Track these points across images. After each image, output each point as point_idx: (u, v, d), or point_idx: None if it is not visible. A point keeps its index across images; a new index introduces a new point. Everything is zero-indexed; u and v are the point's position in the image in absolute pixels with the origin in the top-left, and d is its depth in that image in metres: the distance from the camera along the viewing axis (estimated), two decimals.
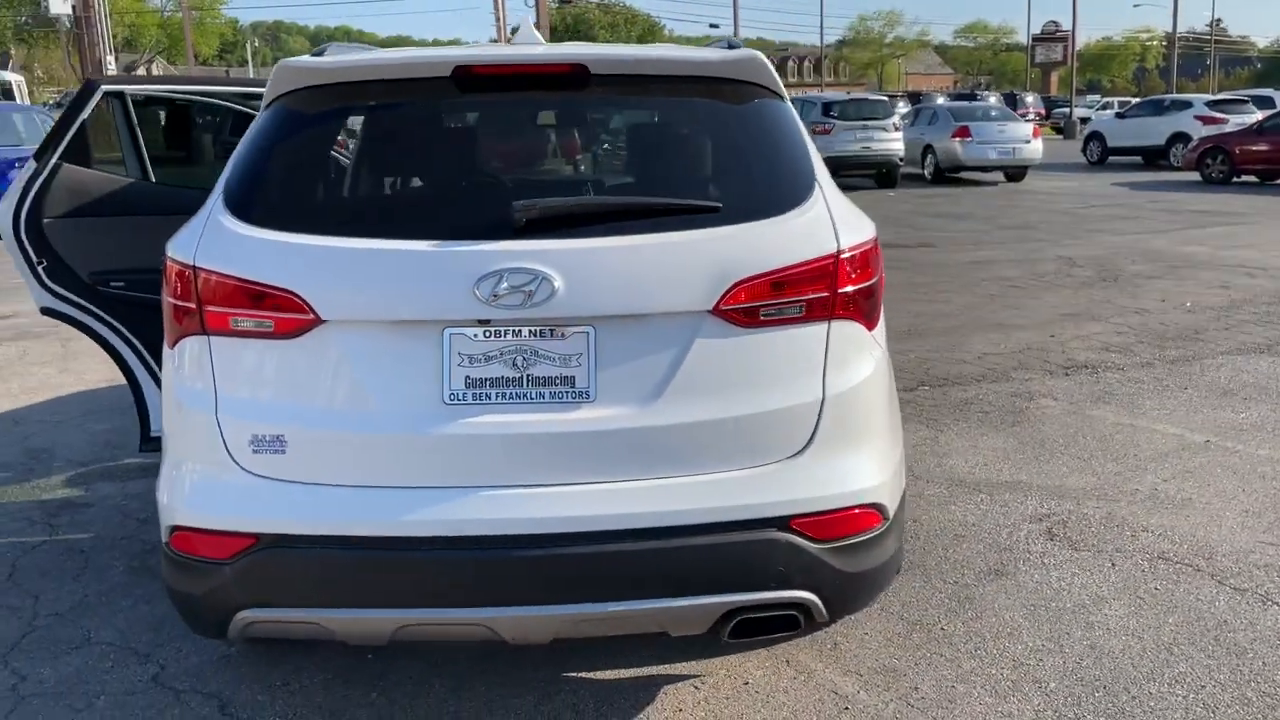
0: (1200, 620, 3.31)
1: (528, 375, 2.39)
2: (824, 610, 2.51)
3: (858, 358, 2.56)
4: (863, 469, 2.55)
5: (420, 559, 2.36)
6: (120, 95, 4.34)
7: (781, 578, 2.43)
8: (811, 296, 2.48)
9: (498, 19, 42.93)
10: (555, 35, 50.88)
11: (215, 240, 2.48)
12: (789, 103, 2.80)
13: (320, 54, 2.85)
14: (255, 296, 2.41)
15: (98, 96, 3.95)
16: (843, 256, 2.51)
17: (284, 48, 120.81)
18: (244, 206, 2.53)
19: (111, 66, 34.02)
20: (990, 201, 17.42)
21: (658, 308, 2.40)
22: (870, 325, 2.61)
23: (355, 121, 2.72)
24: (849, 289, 2.53)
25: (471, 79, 2.61)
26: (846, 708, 2.87)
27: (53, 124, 4.05)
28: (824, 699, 2.91)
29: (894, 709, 2.86)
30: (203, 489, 2.48)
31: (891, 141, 20.56)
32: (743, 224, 2.48)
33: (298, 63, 2.64)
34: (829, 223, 2.54)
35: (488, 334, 2.40)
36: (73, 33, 34.72)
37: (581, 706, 2.89)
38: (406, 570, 2.37)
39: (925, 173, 22.26)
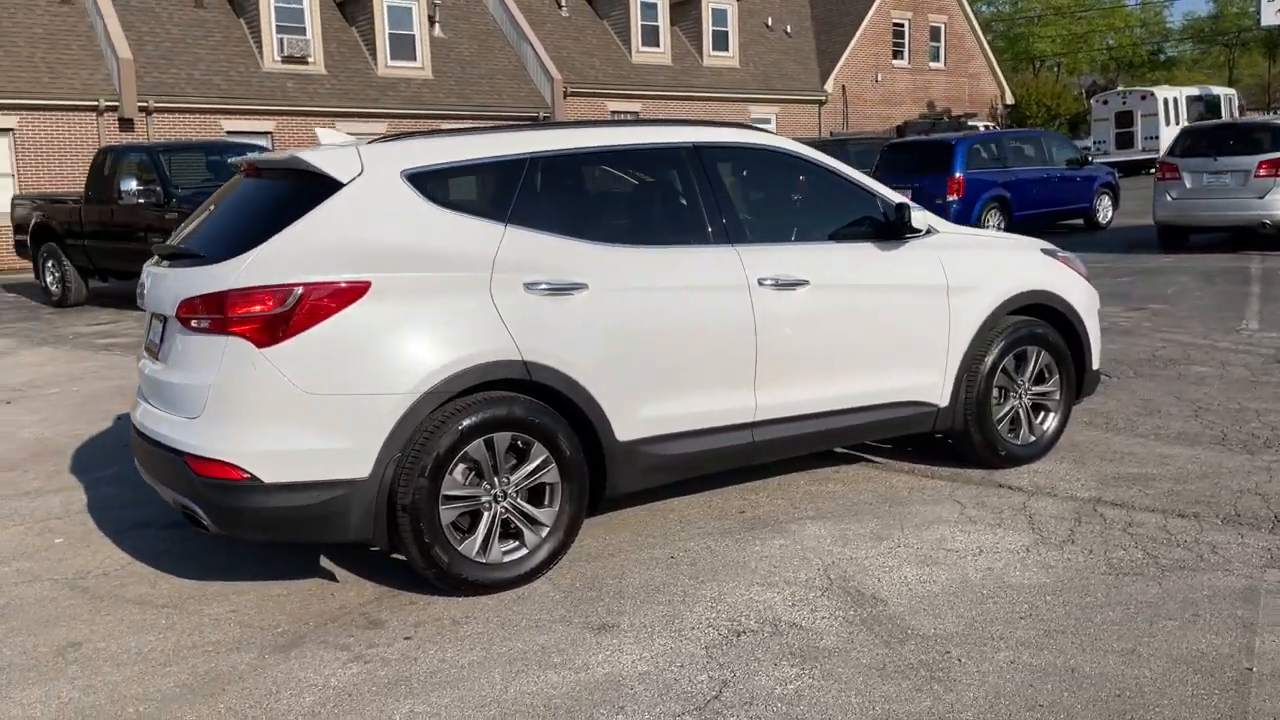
0: None
1: (155, 342, 4.35)
2: (209, 523, 3.91)
3: (239, 363, 3.79)
4: (229, 438, 3.80)
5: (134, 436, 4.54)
6: None
7: (187, 492, 3.94)
8: (211, 316, 3.85)
9: None
10: None
11: None
12: (336, 181, 3.97)
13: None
14: None
15: None
16: (229, 292, 3.80)
17: None
18: None
19: None
20: None
21: (166, 311, 4.11)
22: (263, 342, 3.76)
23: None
24: (234, 314, 3.79)
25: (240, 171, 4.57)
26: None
27: None
28: (344, 612, 4.05)
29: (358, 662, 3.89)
30: None
31: None
32: (199, 266, 3.98)
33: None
34: (238, 267, 3.82)
35: (152, 318, 4.43)
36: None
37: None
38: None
39: None
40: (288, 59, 24.44)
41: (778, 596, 4.02)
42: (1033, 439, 5.54)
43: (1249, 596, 3.84)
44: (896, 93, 36.68)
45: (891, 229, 5.02)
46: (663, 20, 30.87)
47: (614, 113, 29.61)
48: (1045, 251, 5.64)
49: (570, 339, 4.17)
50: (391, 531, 3.95)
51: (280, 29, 24.36)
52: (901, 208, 5.01)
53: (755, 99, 32.59)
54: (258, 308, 3.77)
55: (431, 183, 4.12)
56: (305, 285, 3.78)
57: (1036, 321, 5.46)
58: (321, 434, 3.81)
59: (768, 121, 33.10)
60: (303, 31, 24.64)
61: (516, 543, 4.18)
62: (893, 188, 18.13)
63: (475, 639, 3.75)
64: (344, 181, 3.99)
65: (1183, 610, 3.75)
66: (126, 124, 22.28)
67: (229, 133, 23.14)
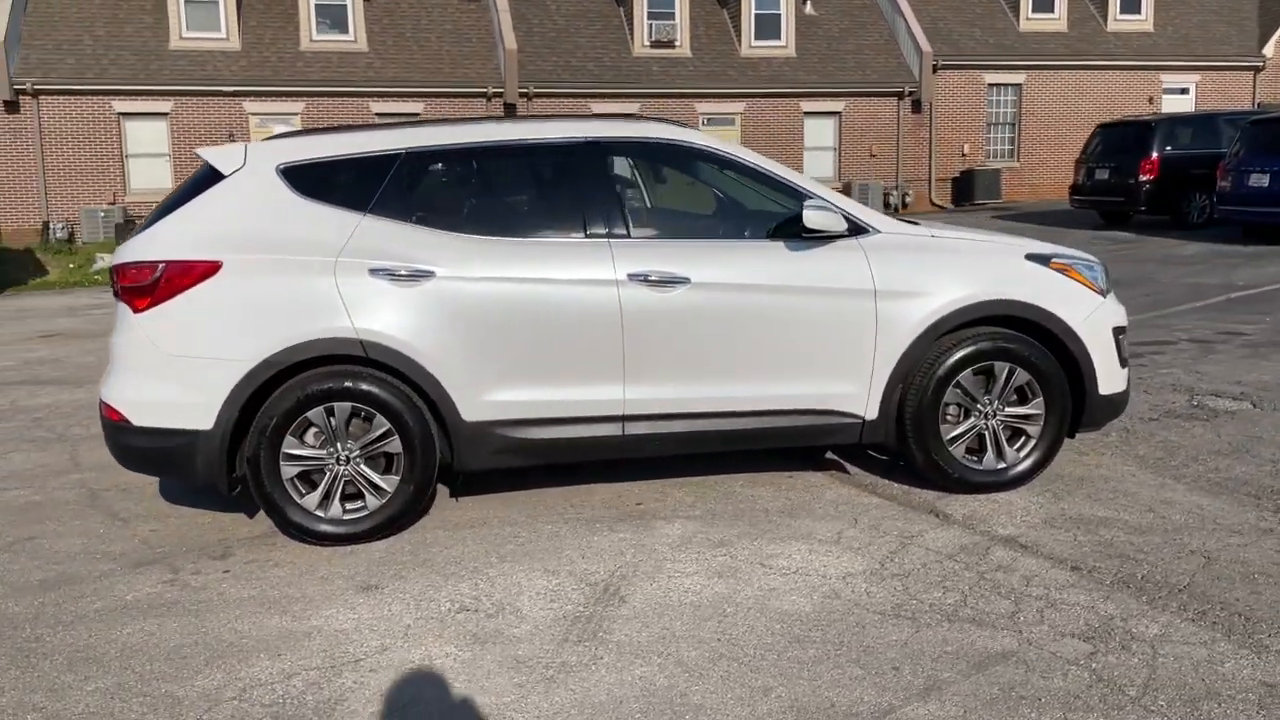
0: None
1: None
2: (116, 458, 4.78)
3: (123, 324, 4.56)
4: (115, 386, 4.59)
5: None
6: None
7: (103, 429, 4.81)
8: (114, 285, 4.65)
9: None
10: None
11: None
12: (220, 173, 4.62)
13: None
14: None
15: None
16: (119, 265, 4.57)
17: None
18: None
19: None
20: None
21: None
22: (137, 308, 4.49)
23: None
24: (121, 284, 4.56)
25: None
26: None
27: None
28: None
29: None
30: None
31: None
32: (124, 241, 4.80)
33: None
34: (130, 244, 4.59)
35: None
36: None
37: None
38: None
39: None
40: (656, 43, 25.86)
41: (543, 584, 4.14)
42: (1001, 465, 4.97)
43: (985, 663, 3.37)
44: None
45: (799, 228, 4.76)
46: None
47: (991, 85, 28.00)
48: (1032, 257, 4.99)
49: (412, 322, 4.53)
50: (240, 480, 4.59)
51: (651, 15, 25.81)
52: (806, 205, 4.73)
53: (1168, 66, 29.11)
54: (134, 280, 4.54)
55: (302, 175, 4.65)
56: (166, 262, 4.49)
57: (1009, 334, 4.89)
58: (175, 389, 4.51)
59: (1184, 91, 29.51)
60: (671, 16, 25.92)
61: (361, 504, 4.64)
62: (1248, 171, 15.78)
63: (267, 580, 4.29)
64: (226, 174, 4.64)
65: (893, 661, 3.39)
66: (510, 109, 24.89)
67: (596, 115, 25.04)
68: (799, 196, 4.86)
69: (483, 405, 4.62)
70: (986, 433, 4.97)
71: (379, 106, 24.42)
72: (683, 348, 4.72)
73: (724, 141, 4.98)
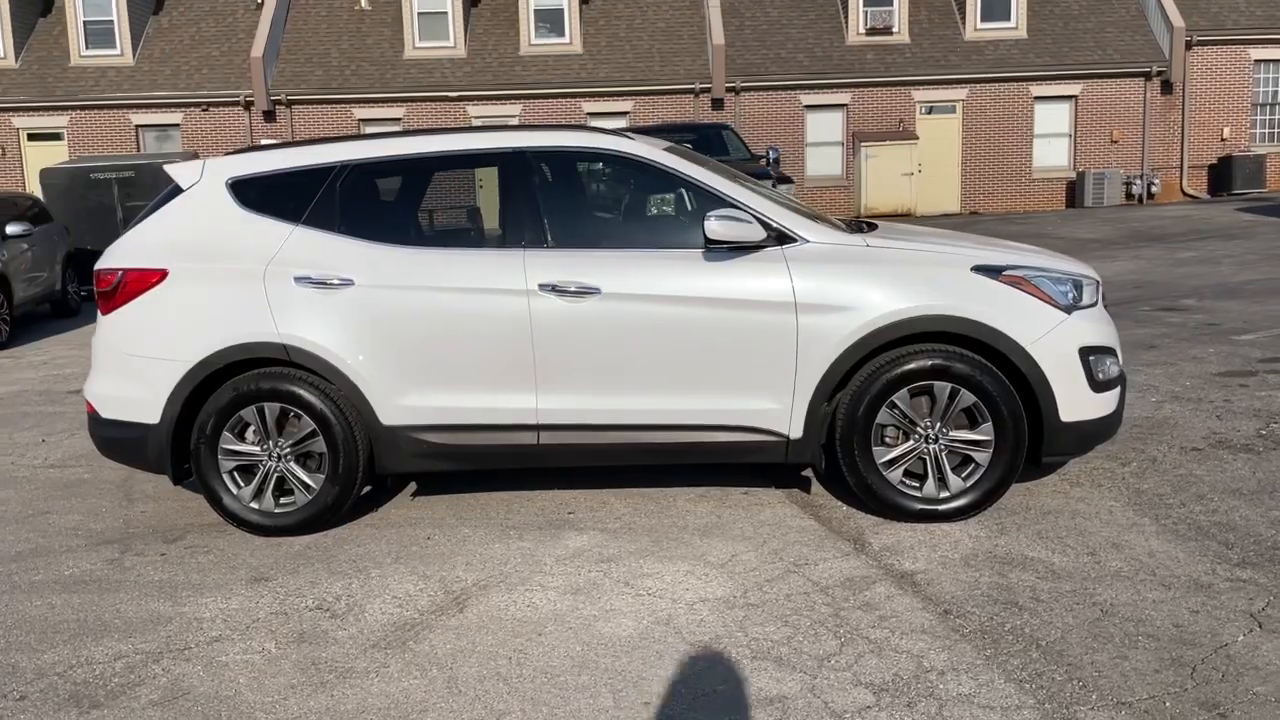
0: None
1: None
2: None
3: (97, 326, 5.03)
4: (91, 382, 5.07)
5: None
6: None
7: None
8: (94, 292, 5.15)
9: None
10: None
11: None
12: (180, 188, 5.00)
13: None
14: None
15: None
16: (95, 271, 5.05)
17: None
18: None
19: None
20: None
21: None
22: (104, 311, 4.94)
23: None
24: (96, 289, 5.01)
25: None
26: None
27: None
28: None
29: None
30: None
31: None
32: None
33: None
34: (104, 256, 5.05)
35: None
36: None
37: None
38: None
39: None
40: (871, 30, 25.07)
41: (408, 588, 4.23)
42: (943, 494, 4.58)
43: (738, 709, 3.16)
44: None
45: (708, 240, 4.58)
46: None
47: (1258, 61, 25.14)
48: (980, 269, 4.55)
49: (332, 328, 4.74)
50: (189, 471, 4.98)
51: (868, 1, 25.05)
52: (709, 215, 4.53)
53: None
54: (104, 285, 5.00)
55: (247, 189, 4.95)
56: (124, 270, 4.92)
57: (950, 352, 4.50)
58: (131, 385, 4.94)
59: None
60: (889, 2, 25.04)
61: (291, 499, 4.91)
62: None
63: (186, 566, 4.63)
64: (184, 188, 5.03)
65: (648, 697, 3.25)
66: (718, 104, 24.93)
67: (806, 107, 24.66)
68: (724, 205, 4.67)
69: (399, 410, 4.77)
70: (928, 459, 4.59)
71: (590, 106, 25.13)
72: (594, 358, 4.66)
73: (651, 148, 4.85)
